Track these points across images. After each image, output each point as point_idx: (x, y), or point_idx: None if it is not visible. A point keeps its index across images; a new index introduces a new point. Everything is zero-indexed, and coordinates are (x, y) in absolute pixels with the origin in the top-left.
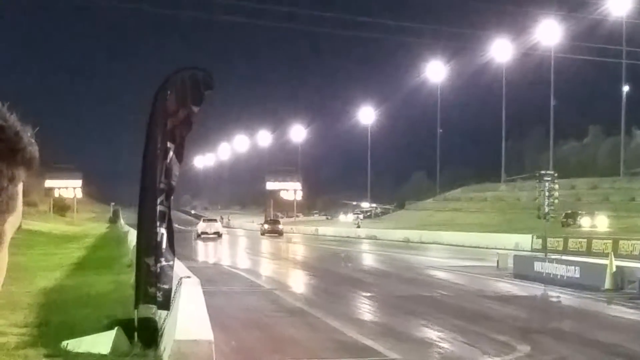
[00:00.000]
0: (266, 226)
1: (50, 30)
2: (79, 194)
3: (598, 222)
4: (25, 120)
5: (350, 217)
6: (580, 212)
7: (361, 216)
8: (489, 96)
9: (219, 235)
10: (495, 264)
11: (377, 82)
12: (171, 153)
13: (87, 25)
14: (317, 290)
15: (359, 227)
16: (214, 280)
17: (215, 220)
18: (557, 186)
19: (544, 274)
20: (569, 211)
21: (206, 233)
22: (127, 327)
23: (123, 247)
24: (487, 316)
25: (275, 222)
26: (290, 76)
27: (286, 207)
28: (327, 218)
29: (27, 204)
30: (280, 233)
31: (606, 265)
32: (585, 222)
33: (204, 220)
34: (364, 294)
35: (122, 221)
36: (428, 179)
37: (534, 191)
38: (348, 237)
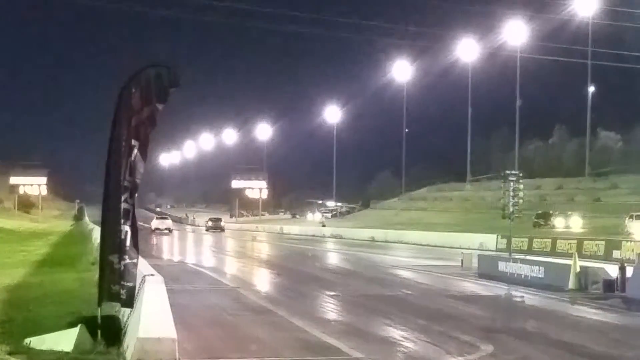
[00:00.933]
0: (210, 223)
1: (16, 25)
2: (44, 191)
3: (572, 223)
4: None
5: (318, 216)
6: (551, 212)
7: (329, 215)
8: (455, 96)
9: (170, 230)
10: (460, 264)
11: (344, 81)
12: (135, 150)
13: (54, 21)
14: (281, 288)
15: (324, 226)
16: (178, 279)
17: (167, 217)
18: (522, 186)
19: (508, 274)
20: (540, 211)
21: (159, 229)
22: (90, 324)
23: (87, 245)
24: (451, 316)
25: (217, 219)
26: (256, 74)
27: (252, 206)
28: (296, 217)
29: None
30: (222, 229)
31: (570, 265)
32: (559, 222)
33: (157, 218)
34: (329, 292)
35: (86, 218)
36: (393, 178)
37: (499, 191)
38: (313, 235)
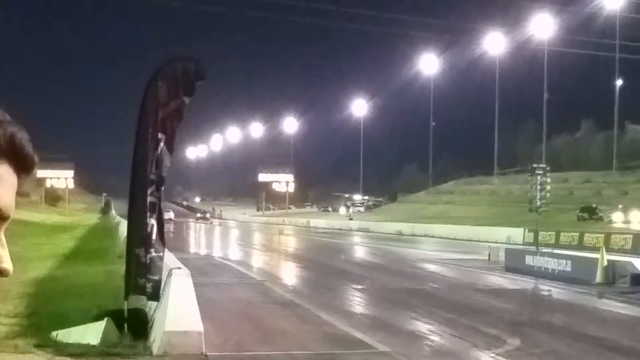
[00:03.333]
0: (199, 215)
1: (43, 19)
2: (71, 184)
3: (632, 217)
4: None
5: (351, 210)
6: (594, 205)
7: (362, 208)
8: (482, 89)
9: (171, 219)
10: (487, 257)
11: (371, 74)
12: (162, 144)
13: (81, 15)
14: (308, 282)
15: (351, 219)
16: (204, 272)
17: (169, 210)
18: (549, 179)
19: (535, 268)
20: (584, 205)
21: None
22: (117, 317)
23: (114, 238)
24: (478, 309)
25: (204, 212)
26: (283, 68)
27: (278, 199)
28: (328, 210)
29: (18, 194)
30: (207, 219)
31: (598, 259)
32: (617, 217)
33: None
34: (355, 286)
35: (113, 212)
36: (420, 171)
37: (526, 184)
38: (340, 229)
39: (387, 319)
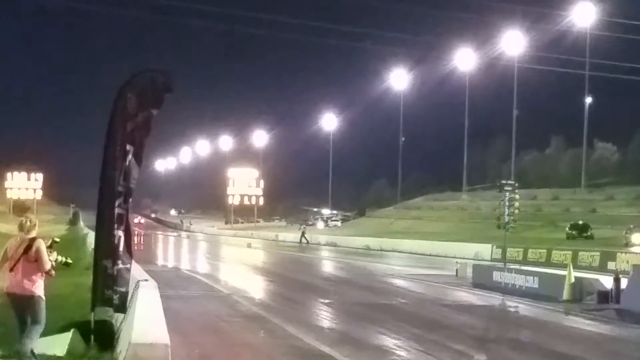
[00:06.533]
0: (136, 220)
1: (10, 28)
2: (39, 195)
3: None
4: None
5: (331, 223)
6: (580, 222)
7: (339, 223)
8: (452, 105)
9: None
10: (455, 273)
11: (341, 89)
12: (130, 155)
13: (48, 25)
14: (276, 296)
15: (304, 234)
16: (172, 284)
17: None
18: (517, 196)
19: (503, 284)
20: (573, 222)
21: None
22: (83, 329)
23: (82, 250)
24: (445, 325)
25: (141, 218)
26: (253, 82)
27: (246, 212)
28: (309, 224)
29: None
30: (142, 224)
31: (565, 276)
32: (636, 239)
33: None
34: (323, 300)
35: (81, 223)
36: (389, 186)
37: (495, 201)
38: (309, 243)
39: (354, 333)
